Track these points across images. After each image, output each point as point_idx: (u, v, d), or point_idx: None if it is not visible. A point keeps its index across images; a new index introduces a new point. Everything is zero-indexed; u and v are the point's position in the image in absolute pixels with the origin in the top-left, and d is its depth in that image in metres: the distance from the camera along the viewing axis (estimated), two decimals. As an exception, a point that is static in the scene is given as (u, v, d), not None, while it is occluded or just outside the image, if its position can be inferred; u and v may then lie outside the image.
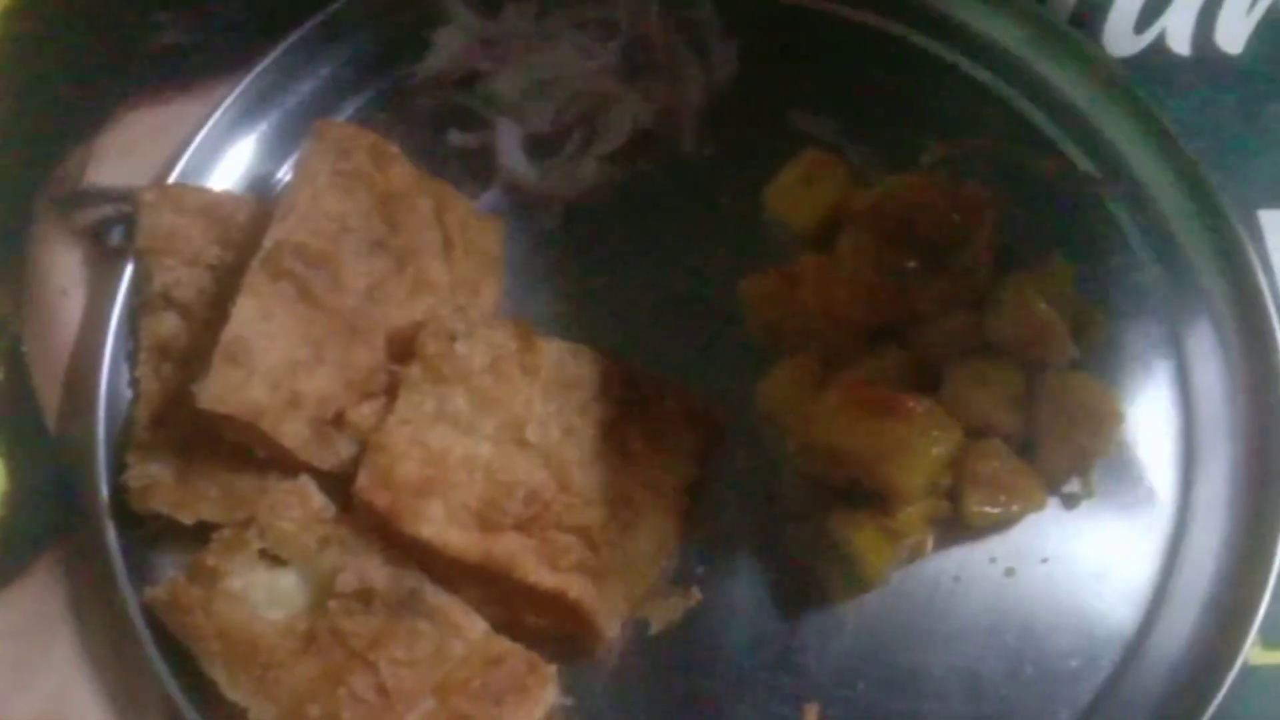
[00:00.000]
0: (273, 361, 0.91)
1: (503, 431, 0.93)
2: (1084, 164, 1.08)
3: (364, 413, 0.94)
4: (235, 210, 1.02)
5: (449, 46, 1.10)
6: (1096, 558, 0.97)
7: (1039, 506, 0.96)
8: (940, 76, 1.12)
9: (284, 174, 1.08)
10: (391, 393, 0.94)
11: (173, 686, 0.91)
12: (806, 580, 0.97)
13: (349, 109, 1.11)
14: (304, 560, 0.91)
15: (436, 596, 0.89)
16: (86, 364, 1.01)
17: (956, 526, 0.96)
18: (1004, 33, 1.11)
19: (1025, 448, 0.97)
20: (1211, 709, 0.91)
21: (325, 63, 1.10)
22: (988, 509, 0.95)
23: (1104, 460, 0.97)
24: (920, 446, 0.92)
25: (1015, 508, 0.95)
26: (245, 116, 1.07)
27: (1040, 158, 1.08)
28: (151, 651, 0.92)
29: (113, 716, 0.97)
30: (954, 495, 0.95)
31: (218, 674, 0.88)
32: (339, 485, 0.93)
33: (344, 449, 0.94)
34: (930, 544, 0.97)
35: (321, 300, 0.94)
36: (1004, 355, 0.97)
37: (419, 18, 1.10)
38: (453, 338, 0.94)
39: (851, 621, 0.96)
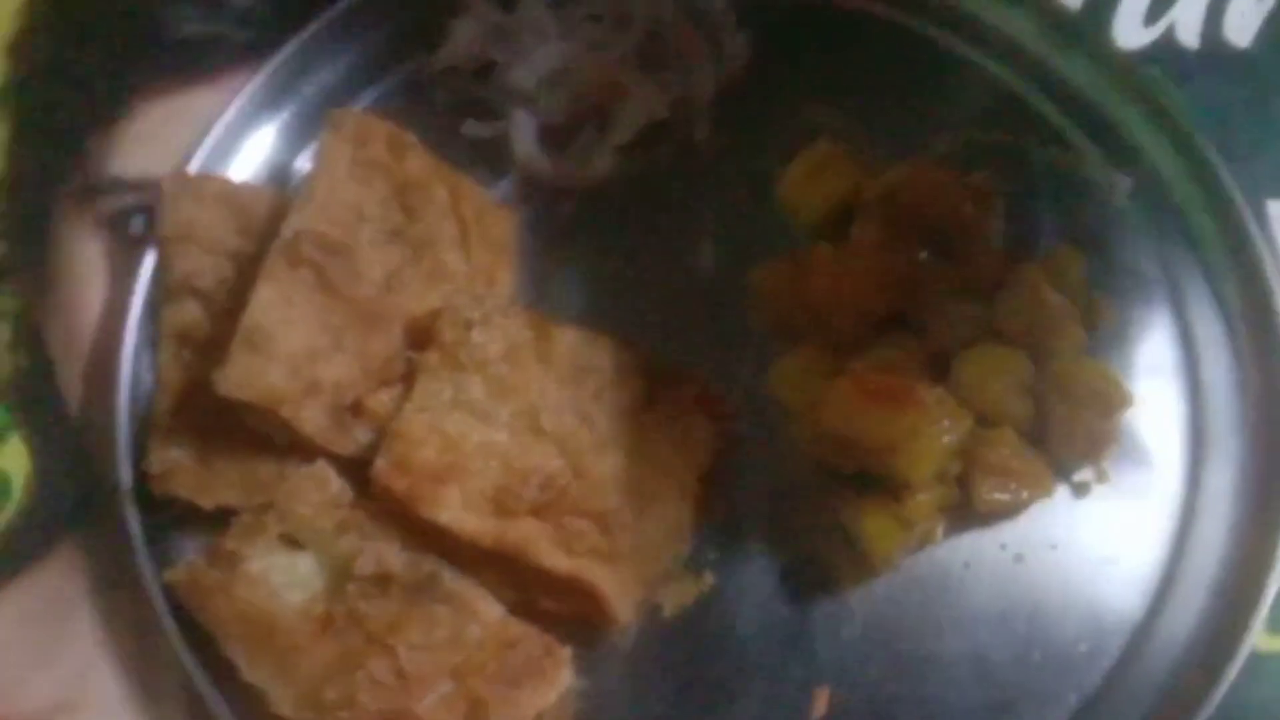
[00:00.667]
0: (291, 349, 0.92)
1: (519, 418, 0.94)
2: (1094, 155, 1.09)
3: (382, 400, 0.95)
4: (255, 199, 1.02)
5: (465, 37, 1.10)
6: (1105, 544, 0.98)
7: (1048, 493, 0.97)
8: (951, 68, 1.12)
9: (303, 163, 1.09)
10: (409, 380, 0.95)
11: (192, 669, 0.92)
12: (817, 567, 0.98)
13: (367, 99, 1.11)
14: (322, 544, 0.92)
15: (453, 581, 0.90)
16: (108, 351, 1.01)
17: (966, 513, 0.97)
18: (1014, 24, 1.11)
19: (1035, 435, 0.97)
20: (1218, 695, 0.92)
21: (343, 53, 1.10)
22: (998, 495, 0.95)
23: (1113, 447, 0.98)
24: (930, 435, 0.93)
25: (1025, 494, 0.96)
26: (264, 106, 1.08)
27: (1050, 148, 1.09)
28: (171, 634, 0.93)
29: (133, 699, 0.97)
30: (964, 482, 0.96)
31: (237, 656, 0.89)
32: (357, 471, 0.93)
33: (362, 435, 0.95)
34: (940, 531, 0.98)
35: (339, 288, 0.95)
36: (1014, 343, 0.98)
37: (436, 9, 1.11)
38: (469, 326, 0.95)
39: (862, 607, 0.97)
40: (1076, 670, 0.95)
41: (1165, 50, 1.15)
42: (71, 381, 1.04)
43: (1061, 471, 0.98)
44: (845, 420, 0.94)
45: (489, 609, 0.90)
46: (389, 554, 0.91)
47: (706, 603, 0.97)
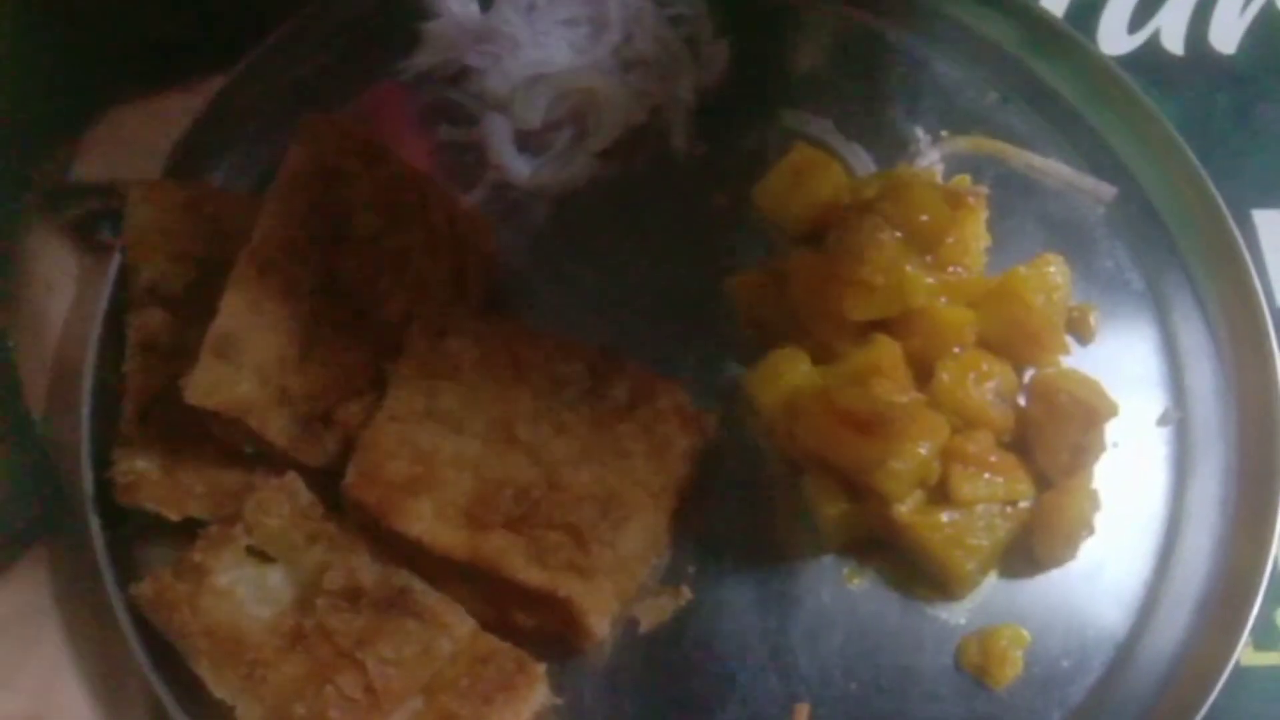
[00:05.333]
0: (261, 357, 0.91)
1: (492, 429, 0.93)
2: (1079, 163, 1.08)
3: (352, 409, 0.94)
4: (223, 205, 1.01)
5: (440, 42, 1.10)
6: (1089, 558, 0.97)
7: (1027, 492, 0.95)
8: (933, 74, 1.12)
9: (272, 169, 1.07)
10: (380, 389, 0.94)
11: (158, 684, 0.91)
12: (796, 579, 0.97)
13: (339, 104, 1.10)
14: (291, 557, 0.90)
15: (425, 595, 0.89)
16: (73, 359, 1.00)
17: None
18: (998, 30, 1.11)
19: (1017, 445, 0.96)
20: (1203, 710, 0.91)
21: (315, 57, 1.10)
22: (975, 488, 0.94)
23: (1097, 458, 0.96)
24: (905, 454, 0.92)
25: (1002, 485, 0.94)
26: (234, 112, 1.07)
27: (1034, 156, 1.08)
28: (137, 648, 0.91)
29: (98, 714, 0.96)
30: (943, 479, 0.94)
31: (204, 671, 0.88)
32: (327, 482, 0.92)
33: (332, 446, 0.93)
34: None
35: (310, 296, 0.94)
36: (997, 351, 0.97)
37: (410, 12, 1.10)
38: (442, 334, 0.94)
39: (842, 621, 0.96)
40: (1060, 685, 0.94)
41: (1150, 57, 1.15)
42: (36, 389, 1.03)
43: (1046, 481, 0.96)
44: (820, 442, 0.94)
45: (461, 623, 0.89)
46: (359, 567, 0.89)
47: (684, 617, 0.96)
